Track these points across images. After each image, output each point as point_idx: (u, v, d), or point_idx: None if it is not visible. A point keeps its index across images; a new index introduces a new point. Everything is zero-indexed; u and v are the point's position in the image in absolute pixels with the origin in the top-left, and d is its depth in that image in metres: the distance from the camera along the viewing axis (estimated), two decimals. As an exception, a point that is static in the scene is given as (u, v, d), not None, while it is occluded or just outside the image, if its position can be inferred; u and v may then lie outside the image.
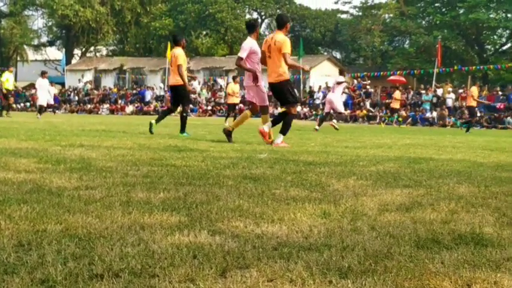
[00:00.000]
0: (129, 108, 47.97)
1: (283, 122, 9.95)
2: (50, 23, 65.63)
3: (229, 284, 2.13)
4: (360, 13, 58.52)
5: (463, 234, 2.99)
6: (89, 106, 49.66)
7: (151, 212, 3.34)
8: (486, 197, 4.31)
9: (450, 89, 39.61)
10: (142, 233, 2.85)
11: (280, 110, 18.30)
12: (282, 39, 9.66)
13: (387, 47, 57.49)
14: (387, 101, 41.03)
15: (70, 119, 25.15)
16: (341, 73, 20.29)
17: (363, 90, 41.80)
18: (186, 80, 12.52)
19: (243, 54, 9.94)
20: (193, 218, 3.21)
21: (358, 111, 40.08)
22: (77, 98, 51.88)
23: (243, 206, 3.62)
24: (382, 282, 2.20)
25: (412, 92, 40.91)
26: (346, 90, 24.84)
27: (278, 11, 61.98)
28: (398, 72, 42.67)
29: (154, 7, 62.79)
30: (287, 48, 9.60)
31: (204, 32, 62.67)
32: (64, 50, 58.57)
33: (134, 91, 51.89)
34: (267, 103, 10.32)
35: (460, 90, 40.18)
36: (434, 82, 40.54)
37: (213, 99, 47.36)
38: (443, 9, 54.26)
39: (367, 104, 41.30)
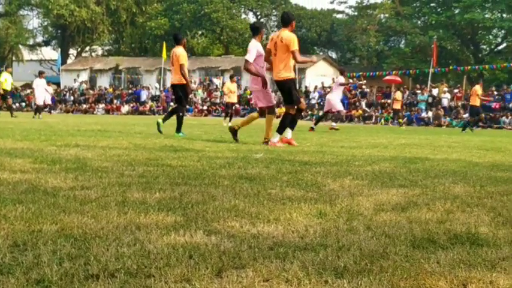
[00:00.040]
0: (125, 108, 47.96)
1: (280, 120, 9.96)
2: (46, 23, 65.55)
3: (225, 284, 2.13)
4: (356, 13, 58.59)
5: (459, 234, 2.99)
6: (84, 106, 49.62)
7: (147, 212, 3.34)
8: (481, 196, 4.32)
9: (446, 89, 39.73)
10: (138, 233, 2.84)
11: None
12: (289, 36, 9.54)
13: (383, 47, 57.55)
14: (383, 100, 41.16)
15: (65, 119, 25.12)
16: (342, 73, 19.99)
17: (359, 90, 41.85)
18: (189, 80, 12.53)
19: (250, 57, 9.78)
20: (189, 218, 3.21)
21: (354, 111, 40.12)
22: (72, 98, 51.83)
23: (239, 206, 3.62)
24: (378, 282, 2.20)
25: (407, 92, 40.99)
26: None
27: (274, 10, 62.13)
28: (393, 72, 42.72)
29: (149, 7, 62.78)
30: (295, 45, 9.50)
31: (200, 32, 62.68)
32: (59, 49, 58.63)
33: (130, 91, 51.86)
34: (274, 103, 10.27)
35: (456, 90, 40.30)
36: (429, 82, 40.65)
37: (208, 99, 47.35)
38: (439, 9, 54.34)
39: (363, 103, 41.36)
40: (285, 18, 9.89)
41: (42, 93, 26.86)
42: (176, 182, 4.58)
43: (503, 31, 52.91)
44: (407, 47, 53.48)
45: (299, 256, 2.50)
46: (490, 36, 54.69)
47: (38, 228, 2.86)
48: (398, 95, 32.39)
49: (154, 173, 5.11)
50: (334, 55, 64.37)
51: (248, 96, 44.22)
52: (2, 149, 7.10)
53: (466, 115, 34.97)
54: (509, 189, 4.76)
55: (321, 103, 40.61)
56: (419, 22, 56.94)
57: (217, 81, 49.59)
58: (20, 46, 65.14)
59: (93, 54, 68.30)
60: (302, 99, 10.27)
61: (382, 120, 37.79)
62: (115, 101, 49.95)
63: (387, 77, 40.42)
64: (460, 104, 38.01)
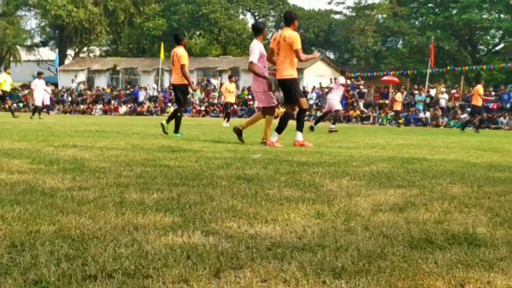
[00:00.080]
0: (123, 109, 47.94)
1: (279, 120, 9.96)
2: (43, 23, 65.48)
3: (222, 284, 2.13)
4: (353, 13, 58.61)
5: (456, 234, 3.00)
6: (82, 107, 49.58)
7: (145, 212, 3.34)
8: (479, 197, 4.32)
9: (443, 89, 39.76)
10: (136, 233, 2.84)
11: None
12: (292, 35, 9.53)
13: (380, 48, 57.58)
14: (380, 101, 41.20)
15: (63, 120, 25.11)
16: (342, 74, 19.85)
17: (356, 90, 41.88)
18: (190, 80, 12.55)
19: (254, 58, 9.79)
20: (186, 219, 3.21)
21: (352, 112, 40.15)
22: (70, 98, 51.77)
23: (237, 206, 3.62)
24: (376, 282, 2.20)
25: (405, 93, 41.01)
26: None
27: (271, 11, 62.11)
28: (391, 73, 42.79)
29: (147, 7, 62.72)
30: (298, 44, 9.50)
31: (198, 33, 62.67)
32: (57, 50, 58.50)
33: (127, 91, 51.83)
34: (274, 105, 10.27)
35: (453, 91, 40.34)
36: (427, 82, 40.68)
37: (206, 99, 47.34)
38: (436, 10, 54.40)
39: (361, 104, 41.39)
40: (288, 18, 9.88)
41: (41, 94, 26.84)
42: (174, 183, 4.58)
43: (500, 31, 52.94)
44: (405, 48, 53.53)
45: (297, 256, 2.50)
46: (488, 37, 54.71)
47: (35, 228, 2.86)
48: (398, 96, 32.60)
49: (152, 174, 5.11)
50: (332, 56, 64.39)
51: (246, 97, 44.27)
52: (-1, 150, 7.09)
53: (464, 115, 35.07)
54: (507, 189, 4.76)
55: (319, 103, 40.69)
56: (417, 22, 56.96)
57: (215, 81, 49.58)
58: (18, 47, 65.08)
59: (90, 54, 68.25)
60: (304, 99, 10.25)
61: (385, 120, 37.88)
62: (113, 102, 49.94)
63: (385, 78, 40.49)
64: (457, 104, 38.06)
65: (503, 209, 3.82)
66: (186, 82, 12.47)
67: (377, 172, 5.84)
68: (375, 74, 43.02)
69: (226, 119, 22.98)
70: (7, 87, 25.92)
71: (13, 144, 8.26)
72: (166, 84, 51.38)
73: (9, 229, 2.84)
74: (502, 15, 51.67)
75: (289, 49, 9.50)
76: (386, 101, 40.42)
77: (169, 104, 46.32)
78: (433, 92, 40.01)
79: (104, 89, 52.89)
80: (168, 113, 43.75)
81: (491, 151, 10.18)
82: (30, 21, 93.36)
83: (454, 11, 51.61)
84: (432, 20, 52.10)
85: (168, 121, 12.51)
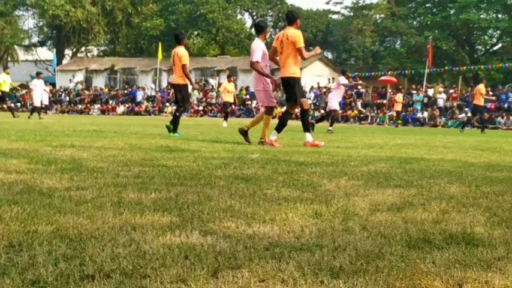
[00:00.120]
0: (120, 109, 47.93)
1: (279, 119, 9.96)
2: (41, 23, 65.37)
3: (220, 284, 2.13)
4: (351, 13, 58.62)
5: (454, 234, 3.00)
6: (80, 106, 49.56)
7: (143, 212, 3.33)
8: (477, 196, 4.33)
9: (441, 89, 39.80)
10: (134, 233, 2.84)
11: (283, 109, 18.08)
12: (295, 33, 9.56)
13: (378, 48, 57.60)
14: (378, 101, 41.23)
15: (61, 120, 25.09)
16: (343, 73, 19.46)
17: (354, 90, 41.89)
18: (192, 79, 12.59)
19: (257, 57, 9.81)
20: (184, 219, 3.21)
21: (350, 111, 40.16)
22: (68, 98, 51.75)
23: (235, 206, 3.62)
24: (374, 282, 2.20)
25: (403, 92, 41.03)
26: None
27: (269, 11, 62.07)
28: (389, 73, 42.80)
29: (145, 7, 62.68)
30: (301, 42, 9.52)
31: (196, 32, 62.65)
32: (55, 50, 58.42)
33: (125, 91, 51.81)
34: (273, 105, 10.26)
35: (451, 91, 40.39)
36: (425, 82, 40.72)
37: (204, 99, 47.34)
38: (434, 10, 54.44)
39: (359, 104, 41.41)
40: (290, 17, 9.90)
41: (40, 94, 26.80)
42: (172, 183, 4.58)
43: (498, 31, 52.99)
44: (403, 48, 53.53)
45: (295, 256, 2.50)
46: (486, 37, 54.73)
47: (33, 228, 2.86)
48: (399, 97, 32.76)
49: (150, 174, 5.11)
50: (329, 55, 64.40)
51: (244, 97, 44.25)
52: (-3, 150, 7.08)
53: (462, 115, 35.11)
54: (505, 189, 4.77)
55: (317, 103, 40.68)
56: (414, 22, 57.01)
57: (213, 81, 49.56)
58: (16, 46, 64.98)
59: (88, 54, 68.22)
60: (306, 100, 10.27)
61: (383, 119, 37.95)
62: (110, 102, 49.92)
63: (383, 78, 40.50)
64: (455, 104, 38.10)
65: (501, 208, 3.82)
66: (186, 82, 12.49)
67: (375, 172, 5.84)
68: (372, 74, 43.04)
69: (226, 118, 23.03)
70: (7, 88, 25.88)
71: (11, 144, 8.25)
72: (164, 84, 51.40)
73: (7, 229, 2.84)
74: (499, 15, 51.73)
75: (293, 48, 9.53)
76: (384, 101, 40.45)
77: (167, 104, 46.32)
78: (431, 92, 40.06)
79: (101, 89, 52.88)
80: (166, 112, 43.81)
81: (489, 151, 10.19)
82: (28, 21, 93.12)
83: (452, 11, 51.66)
84: (430, 20, 52.14)
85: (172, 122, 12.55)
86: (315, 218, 3.37)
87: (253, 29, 64.23)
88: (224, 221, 3.17)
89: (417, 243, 2.80)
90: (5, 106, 28.60)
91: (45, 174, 4.87)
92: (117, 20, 62.49)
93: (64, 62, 62.12)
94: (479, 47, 56.19)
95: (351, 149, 9.42)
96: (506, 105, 36.25)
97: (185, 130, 14.34)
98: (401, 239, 2.87)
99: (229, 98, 24.13)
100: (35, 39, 67.47)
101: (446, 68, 45.95)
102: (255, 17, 63.60)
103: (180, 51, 12.39)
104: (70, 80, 54.46)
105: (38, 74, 27.87)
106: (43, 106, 29.00)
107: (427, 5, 55.77)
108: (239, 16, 64.08)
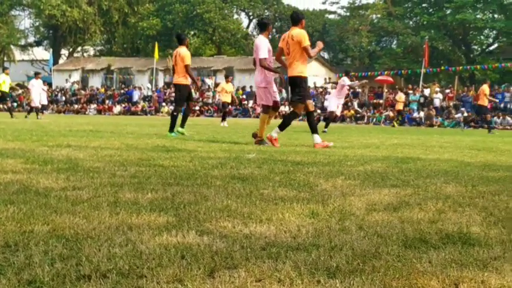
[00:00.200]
0: (117, 109, 47.86)
1: (284, 118, 9.96)
2: (37, 23, 65.28)
3: (217, 284, 2.13)
4: (348, 13, 58.63)
5: (451, 234, 3.00)
6: (76, 106, 49.47)
7: (139, 212, 3.33)
8: (473, 196, 4.33)
9: (437, 89, 39.86)
10: (130, 233, 2.84)
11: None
12: (300, 33, 9.61)
13: (375, 47, 57.61)
14: (375, 101, 41.26)
15: (57, 120, 25.06)
16: (347, 74, 18.61)
17: (351, 90, 41.87)
18: (196, 79, 12.65)
19: (264, 54, 9.86)
20: (181, 219, 3.20)
21: (346, 111, 40.16)
22: (64, 98, 51.65)
23: (231, 206, 3.62)
24: (370, 281, 2.20)
25: (398, 92, 41.05)
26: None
27: (266, 11, 62.06)
28: (385, 73, 42.82)
29: (141, 7, 62.60)
30: (306, 41, 9.56)
31: (192, 32, 62.55)
32: (51, 50, 58.34)
33: (122, 91, 51.74)
34: (270, 104, 10.24)
35: (447, 90, 40.44)
36: (421, 82, 40.76)
37: (201, 99, 47.30)
38: (431, 10, 54.50)
39: (355, 104, 41.43)
40: (295, 17, 9.96)
41: (38, 94, 26.74)
42: (168, 183, 4.57)
43: (494, 31, 53.07)
44: (399, 48, 53.58)
45: (291, 256, 2.50)
46: (482, 37, 54.83)
47: (29, 228, 2.85)
48: (400, 96, 32.88)
49: (147, 174, 5.10)
50: (326, 55, 64.40)
51: (240, 96, 44.25)
52: (-7, 150, 7.07)
53: (458, 115, 35.17)
54: (501, 188, 4.78)
55: (314, 103, 40.65)
56: (411, 22, 57.06)
57: (209, 81, 49.54)
58: (12, 46, 64.87)
59: (85, 54, 68.13)
60: (311, 102, 10.27)
61: (379, 119, 38.02)
62: (107, 101, 49.85)
63: (379, 77, 40.50)
64: (451, 104, 38.14)
65: (497, 208, 3.83)
66: (186, 82, 12.52)
67: (371, 172, 5.85)
68: (369, 73, 43.03)
69: (225, 119, 23.11)
70: (6, 88, 25.81)
71: (7, 144, 8.24)
72: (160, 84, 51.37)
73: (3, 229, 2.84)
74: (495, 15, 51.82)
75: (298, 47, 9.58)
76: (381, 101, 40.47)
77: (164, 104, 46.28)
78: (427, 91, 40.08)
79: (98, 89, 52.79)
80: (162, 112, 43.77)
81: (485, 151, 10.20)
82: (24, 21, 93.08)
83: (448, 11, 51.70)
84: (426, 20, 52.19)
85: (182, 125, 12.62)
86: (311, 217, 3.37)
87: (249, 29, 64.76)
88: (221, 221, 3.17)
89: (413, 243, 2.81)
90: (5, 106, 28.48)
91: (42, 174, 4.86)
92: (114, 19, 62.42)
93: (60, 61, 62.03)
94: (476, 47, 56.26)
95: (347, 149, 9.43)
96: (502, 105, 36.29)
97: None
98: (397, 239, 2.87)
99: (227, 99, 24.16)
100: (31, 39, 67.41)
101: (442, 68, 46.02)
102: (251, 17, 63.64)
103: (182, 51, 12.42)
104: (66, 79, 54.39)
105: (37, 74, 27.82)
106: (41, 106, 28.93)
107: (424, 5, 55.82)
108: (235, 16, 64.10)
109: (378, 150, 9.30)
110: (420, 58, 44.44)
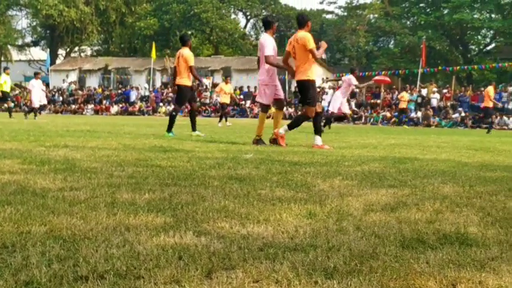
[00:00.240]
0: (114, 109, 47.84)
1: (295, 118, 9.97)
2: (34, 23, 65.23)
3: (214, 285, 2.13)
4: (345, 13, 58.73)
5: (448, 234, 3.00)
6: (73, 106, 49.44)
7: (137, 213, 3.33)
8: (471, 196, 4.33)
9: (435, 89, 39.93)
10: (128, 234, 2.83)
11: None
12: (304, 35, 9.61)
13: (372, 47, 57.70)
14: (372, 100, 41.29)
15: (54, 120, 25.03)
16: (352, 72, 17.98)
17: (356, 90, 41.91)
18: (201, 79, 12.68)
19: (269, 51, 9.88)
20: (178, 219, 3.20)
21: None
22: (61, 98, 51.61)
23: (229, 206, 3.62)
24: (368, 282, 2.20)
25: (396, 92, 41.12)
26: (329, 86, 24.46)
27: (263, 11, 62.14)
28: (383, 73, 42.83)
29: (139, 7, 62.61)
30: (311, 43, 9.55)
31: (189, 32, 62.53)
32: (48, 50, 58.29)
33: (119, 91, 51.72)
34: (268, 103, 10.25)
35: (445, 90, 40.50)
36: (418, 82, 40.81)
37: (198, 99, 47.29)
38: (428, 10, 54.58)
39: (353, 104, 41.44)
40: (300, 20, 9.97)
41: (38, 94, 26.69)
42: (166, 183, 4.57)
43: (491, 31, 53.18)
44: (397, 47, 53.64)
45: (289, 257, 2.50)
46: (479, 37, 54.95)
47: (26, 229, 2.85)
48: (404, 95, 33.00)
49: (144, 174, 5.10)
50: (323, 55, 64.38)
51: (238, 97, 44.23)
52: (-10, 150, 7.06)
53: (456, 115, 35.22)
54: (498, 189, 4.78)
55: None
56: (408, 22, 57.16)
57: (206, 81, 49.52)
58: (9, 46, 64.81)
59: (82, 54, 68.09)
60: (319, 104, 10.30)
61: (377, 119, 38.11)
62: (104, 102, 49.83)
63: (376, 77, 40.47)
64: (449, 104, 38.19)
65: (494, 208, 3.83)
66: (189, 83, 12.58)
67: (369, 172, 5.85)
68: (366, 73, 43.07)
69: (224, 118, 23.14)
70: (7, 88, 25.77)
71: (4, 144, 8.23)
72: (158, 84, 51.35)
73: (0, 230, 2.83)
74: (493, 15, 51.92)
75: (304, 50, 9.57)
76: (378, 101, 40.51)
77: (161, 104, 46.27)
78: (424, 91, 40.15)
79: (95, 89, 52.78)
80: (159, 112, 43.75)
81: (483, 151, 10.21)
82: (21, 20, 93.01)
83: (446, 11, 51.81)
84: (423, 20, 52.26)
85: (194, 129, 12.70)
86: (309, 218, 3.37)
87: (247, 29, 64.78)
88: (218, 222, 3.16)
89: (411, 243, 2.81)
90: (5, 105, 28.43)
91: (39, 174, 4.86)
92: (111, 19, 62.41)
93: (57, 61, 61.99)
94: (473, 47, 56.38)
95: (344, 149, 9.43)
96: (499, 105, 36.33)
97: (179, 130, 14.32)
98: (395, 239, 2.87)
99: (226, 99, 24.17)
100: (28, 39, 67.39)
101: (439, 67, 46.07)
102: (248, 17, 63.65)
103: (186, 52, 12.45)
104: (63, 80, 54.34)
105: (36, 74, 27.78)
106: (41, 107, 28.88)
107: (421, 4, 55.93)
108: (233, 16, 64.17)
109: (376, 151, 9.31)
110: (417, 58, 44.50)
